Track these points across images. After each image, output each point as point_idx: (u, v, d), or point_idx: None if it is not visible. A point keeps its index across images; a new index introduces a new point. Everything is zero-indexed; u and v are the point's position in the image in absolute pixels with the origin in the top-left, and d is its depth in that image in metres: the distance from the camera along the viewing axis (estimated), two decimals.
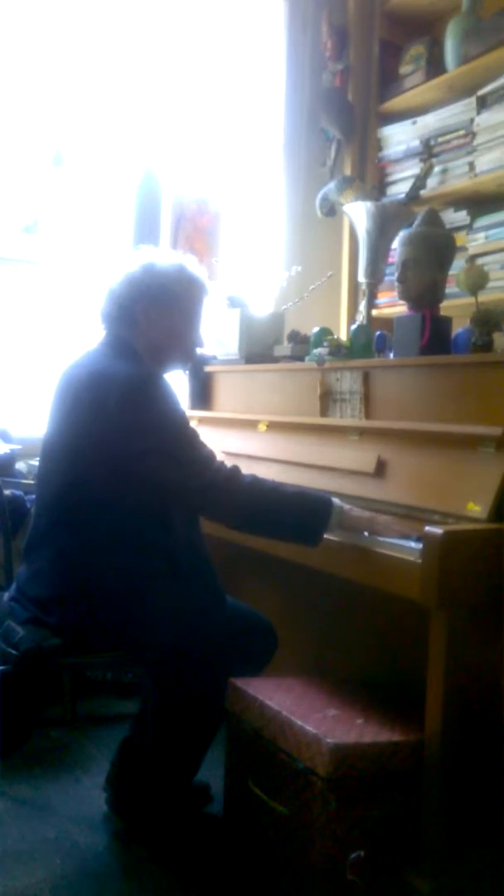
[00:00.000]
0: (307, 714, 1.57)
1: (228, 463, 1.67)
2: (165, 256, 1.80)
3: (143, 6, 2.83)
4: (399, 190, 2.84)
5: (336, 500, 1.66)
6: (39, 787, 2.04)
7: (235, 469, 1.65)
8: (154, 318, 1.75)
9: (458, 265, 2.13)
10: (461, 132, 2.60)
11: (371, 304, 2.48)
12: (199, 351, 1.89)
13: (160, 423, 1.61)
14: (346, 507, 1.66)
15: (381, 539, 1.59)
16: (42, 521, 1.75)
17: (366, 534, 1.63)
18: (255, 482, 1.65)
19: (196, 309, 1.81)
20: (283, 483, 1.71)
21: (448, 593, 1.41)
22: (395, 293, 2.00)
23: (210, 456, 1.65)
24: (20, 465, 2.53)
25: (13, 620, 1.69)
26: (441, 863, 1.48)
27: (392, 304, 2.67)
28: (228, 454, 2.29)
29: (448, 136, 2.65)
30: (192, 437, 1.66)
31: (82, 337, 1.86)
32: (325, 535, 1.68)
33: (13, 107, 2.70)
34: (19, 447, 2.51)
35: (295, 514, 1.65)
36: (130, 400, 1.60)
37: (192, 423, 2.55)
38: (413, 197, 2.68)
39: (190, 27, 2.94)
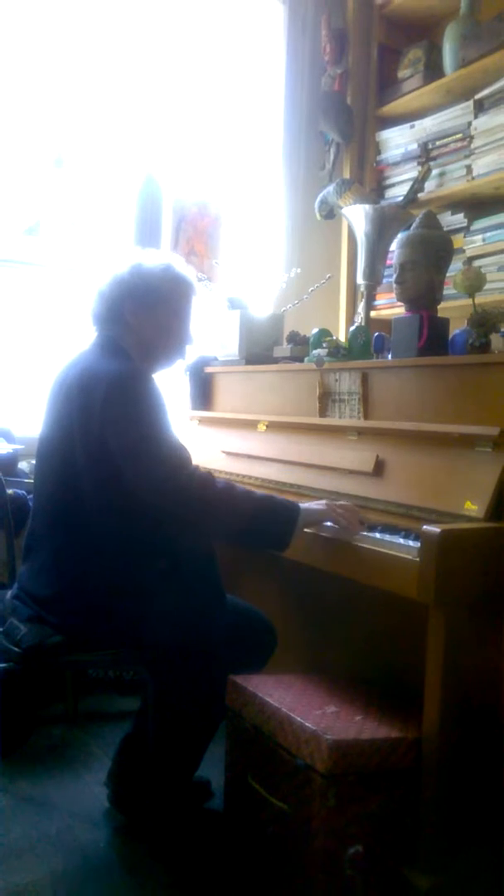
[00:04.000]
0: (306, 711, 1.58)
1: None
2: (152, 257, 1.82)
3: (143, 10, 2.85)
4: (397, 193, 2.85)
5: (301, 504, 1.67)
6: (41, 784, 2.05)
7: (209, 475, 1.64)
8: (143, 318, 1.77)
9: (455, 267, 2.15)
10: (459, 136, 2.61)
11: (369, 306, 2.50)
12: (190, 349, 1.91)
13: (141, 420, 1.61)
14: (304, 505, 1.68)
15: (379, 538, 1.61)
16: (40, 521, 1.77)
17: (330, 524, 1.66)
18: (228, 488, 1.65)
19: (184, 307, 1.82)
20: (252, 490, 1.71)
21: (446, 591, 1.42)
22: (394, 295, 2.02)
23: (187, 459, 1.65)
24: (23, 465, 2.54)
25: (15, 618, 1.71)
26: (439, 859, 1.49)
27: (390, 306, 2.69)
28: (228, 454, 2.30)
29: (446, 140, 2.67)
30: (172, 437, 1.66)
31: (83, 338, 1.87)
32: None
33: (15, 109, 2.71)
34: (22, 447, 2.53)
35: (265, 521, 1.65)
36: (114, 396, 1.61)
37: (193, 423, 2.59)
38: (411, 200, 2.69)
39: (190, 31, 2.95)
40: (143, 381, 1.66)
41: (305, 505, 1.69)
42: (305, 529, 1.70)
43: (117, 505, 1.64)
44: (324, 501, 1.72)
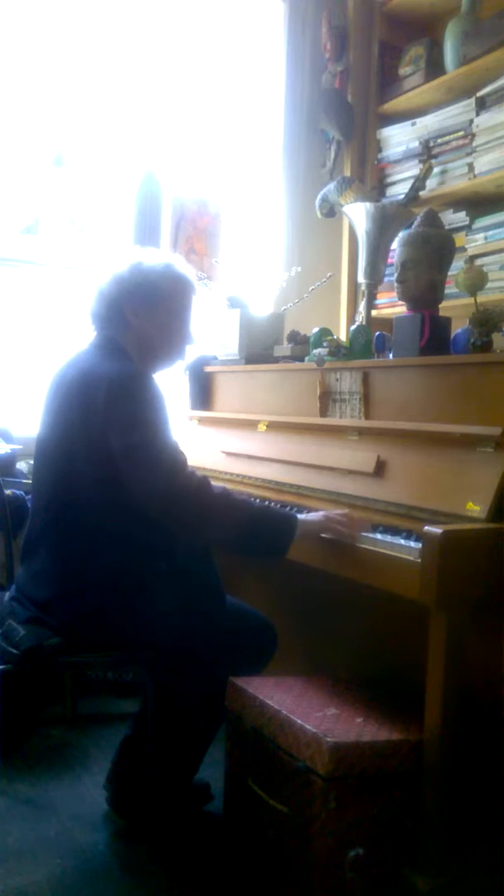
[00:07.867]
0: (307, 713, 1.57)
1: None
2: (153, 256, 1.82)
3: (143, 8, 2.84)
4: (398, 191, 2.84)
5: (300, 516, 1.67)
6: (40, 786, 2.05)
7: (205, 480, 1.63)
8: (143, 317, 1.76)
9: (457, 266, 2.13)
10: (460, 133, 2.60)
11: (370, 305, 2.49)
12: (190, 349, 1.90)
13: (142, 422, 1.60)
14: (302, 516, 1.68)
15: (380, 538, 1.60)
16: (39, 521, 1.76)
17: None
18: (225, 494, 1.64)
19: (185, 306, 1.81)
20: (250, 500, 1.70)
21: (447, 593, 1.42)
22: (395, 294, 2.01)
23: (183, 463, 1.64)
24: (21, 465, 2.54)
25: (14, 620, 1.70)
26: (440, 861, 1.49)
27: (391, 305, 2.68)
28: (228, 454, 2.29)
29: (447, 137, 2.66)
30: (172, 441, 1.65)
31: (82, 337, 1.86)
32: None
33: (14, 107, 2.70)
34: (20, 447, 2.52)
35: (262, 530, 1.64)
36: (115, 397, 1.60)
37: (193, 423, 2.58)
38: (412, 198, 2.68)
39: (190, 28, 2.94)
40: (145, 381, 1.65)
41: (304, 516, 1.68)
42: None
43: (117, 506, 1.63)
44: (322, 513, 1.71)
